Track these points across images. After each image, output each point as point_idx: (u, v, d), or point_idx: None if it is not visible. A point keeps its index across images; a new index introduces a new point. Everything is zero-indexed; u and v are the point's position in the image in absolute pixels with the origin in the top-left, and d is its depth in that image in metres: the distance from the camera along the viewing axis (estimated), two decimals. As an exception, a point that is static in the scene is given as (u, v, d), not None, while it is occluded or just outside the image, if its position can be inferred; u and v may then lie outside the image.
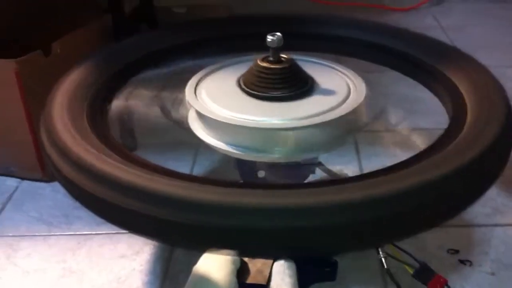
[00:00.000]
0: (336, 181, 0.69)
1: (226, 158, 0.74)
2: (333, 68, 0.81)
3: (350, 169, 0.90)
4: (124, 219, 0.60)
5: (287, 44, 0.72)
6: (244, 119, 0.69)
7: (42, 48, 1.01)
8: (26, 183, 1.03)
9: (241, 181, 0.77)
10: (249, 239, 0.55)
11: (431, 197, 0.58)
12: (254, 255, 0.61)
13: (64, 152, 0.63)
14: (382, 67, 0.89)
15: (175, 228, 0.56)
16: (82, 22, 1.16)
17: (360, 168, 0.91)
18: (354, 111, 0.72)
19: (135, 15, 1.34)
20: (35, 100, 0.95)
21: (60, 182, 0.66)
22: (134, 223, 0.59)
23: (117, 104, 0.78)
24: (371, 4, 1.89)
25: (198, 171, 0.94)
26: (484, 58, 1.28)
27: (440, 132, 0.67)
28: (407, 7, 1.89)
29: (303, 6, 1.82)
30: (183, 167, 0.92)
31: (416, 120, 0.83)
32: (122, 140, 0.82)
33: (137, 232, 0.63)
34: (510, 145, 0.69)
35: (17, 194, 1.00)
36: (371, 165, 0.89)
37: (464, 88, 0.75)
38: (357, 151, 0.91)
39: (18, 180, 1.03)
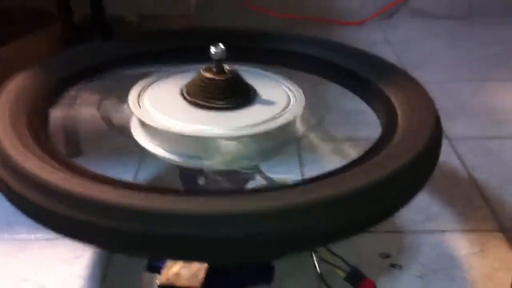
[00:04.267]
0: (272, 188, 0.71)
1: (169, 166, 0.76)
2: (275, 79, 0.84)
3: (291, 177, 0.93)
4: (60, 226, 0.61)
5: (233, 57, 0.75)
6: (185, 127, 0.71)
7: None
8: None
9: (171, 188, 0.79)
10: (181, 245, 0.57)
11: (359, 204, 0.62)
12: (188, 259, 0.63)
13: (3, 158, 0.64)
14: (324, 80, 0.93)
15: (110, 235, 0.58)
16: (31, 29, 1.16)
17: (302, 176, 0.94)
18: (293, 122, 0.76)
19: (86, 24, 1.34)
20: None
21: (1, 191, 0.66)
22: (70, 230, 0.60)
23: (60, 112, 0.79)
24: (321, 18, 1.94)
25: (141, 178, 0.95)
26: (429, 72, 1.35)
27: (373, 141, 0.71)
28: (356, 21, 1.95)
29: (259, 20, 1.86)
30: (126, 175, 0.93)
31: (355, 130, 0.87)
32: (66, 147, 0.83)
33: (74, 239, 0.63)
34: (436, 157, 0.73)
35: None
36: (313, 173, 0.93)
37: (396, 101, 0.80)
38: (299, 160, 0.95)
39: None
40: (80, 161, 0.75)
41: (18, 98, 0.75)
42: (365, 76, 0.88)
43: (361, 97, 0.88)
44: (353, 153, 0.75)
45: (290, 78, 0.84)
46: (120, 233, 0.57)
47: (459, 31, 1.84)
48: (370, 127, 0.78)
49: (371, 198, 0.62)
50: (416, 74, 0.86)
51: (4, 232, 0.91)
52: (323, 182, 0.62)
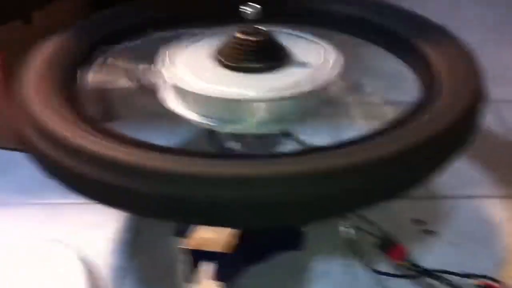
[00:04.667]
0: (299, 152, 0.70)
1: (202, 130, 0.76)
2: (310, 40, 0.81)
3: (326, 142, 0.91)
4: (91, 190, 0.61)
5: (267, 18, 0.72)
6: (217, 90, 0.70)
7: (21, 17, 1.01)
8: (2, 152, 1.04)
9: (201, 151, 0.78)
10: (212, 209, 0.57)
11: (394, 169, 0.60)
12: (216, 224, 0.62)
13: (34, 123, 0.64)
14: (360, 41, 0.89)
15: (139, 199, 0.58)
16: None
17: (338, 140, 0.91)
18: (329, 84, 0.73)
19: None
20: (14, 70, 0.96)
21: (30, 152, 0.67)
22: (100, 194, 0.61)
23: (92, 76, 0.79)
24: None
25: (173, 142, 0.95)
26: (469, 33, 1.28)
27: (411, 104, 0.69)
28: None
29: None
30: (158, 139, 0.92)
31: (394, 93, 0.83)
32: (98, 112, 0.83)
33: (104, 203, 0.63)
34: (478, 121, 0.70)
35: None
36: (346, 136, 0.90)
37: (438, 63, 0.77)
38: (336, 124, 0.92)
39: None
40: (113, 126, 0.75)
41: (50, 63, 0.75)
42: (406, 36, 0.84)
43: (402, 59, 0.85)
44: (392, 117, 0.73)
45: (326, 39, 0.81)
46: (149, 197, 0.58)
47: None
48: (411, 90, 0.76)
49: (406, 163, 0.61)
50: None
51: (36, 197, 0.92)
52: (357, 146, 0.61)
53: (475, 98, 0.71)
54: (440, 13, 0.86)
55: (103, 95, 0.93)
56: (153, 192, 0.57)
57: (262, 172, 0.57)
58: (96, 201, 0.62)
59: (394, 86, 0.99)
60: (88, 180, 0.59)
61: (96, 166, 0.58)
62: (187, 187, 0.57)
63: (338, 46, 0.79)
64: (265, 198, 0.57)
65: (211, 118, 0.72)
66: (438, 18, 0.86)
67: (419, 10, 0.89)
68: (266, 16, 0.73)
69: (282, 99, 0.70)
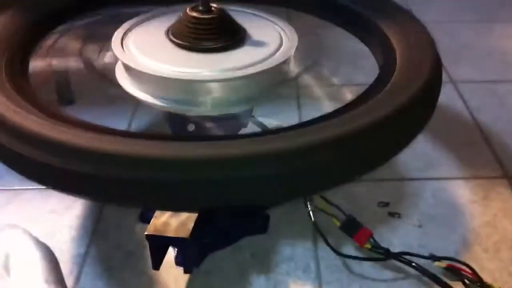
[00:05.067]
0: (265, 132, 0.68)
1: (158, 112, 0.72)
2: (266, 19, 0.79)
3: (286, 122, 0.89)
4: (45, 177, 0.58)
5: None
6: (173, 71, 0.67)
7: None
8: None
9: (159, 133, 0.75)
10: (173, 191, 0.55)
11: (354, 147, 0.58)
12: (178, 209, 0.60)
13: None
14: (319, 20, 0.87)
15: (96, 184, 0.55)
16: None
17: (300, 117, 0.89)
18: (285, 63, 0.71)
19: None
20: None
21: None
22: (54, 180, 0.58)
23: (41, 57, 0.75)
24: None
25: (132, 125, 0.91)
26: (432, 12, 1.27)
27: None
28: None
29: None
30: (116, 121, 0.89)
31: (352, 73, 0.82)
32: (52, 95, 0.79)
33: (61, 190, 0.61)
34: (435, 98, 0.69)
35: None
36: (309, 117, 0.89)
37: (395, 41, 0.75)
38: (295, 104, 0.90)
39: None
40: (68, 110, 0.72)
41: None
42: (363, 14, 0.82)
43: (359, 37, 0.83)
44: (349, 96, 0.71)
45: (282, 17, 0.79)
46: (106, 181, 0.55)
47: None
48: (369, 69, 0.74)
49: (366, 141, 0.59)
50: (418, 13, 0.80)
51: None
52: (317, 125, 0.59)
53: (433, 76, 0.69)
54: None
55: (56, 77, 0.89)
56: (108, 176, 0.54)
57: (218, 152, 0.55)
58: (51, 188, 0.59)
59: (352, 65, 0.97)
60: (40, 167, 0.56)
61: (50, 152, 0.55)
62: (140, 169, 0.54)
63: (295, 24, 0.77)
64: (220, 176, 0.54)
65: (166, 99, 0.69)
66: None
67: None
68: None
69: (238, 78, 0.67)
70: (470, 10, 1.48)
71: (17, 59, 0.71)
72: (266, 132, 0.71)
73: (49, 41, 0.77)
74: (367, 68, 0.76)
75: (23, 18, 0.76)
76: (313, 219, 0.72)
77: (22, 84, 0.65)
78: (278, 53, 0.71)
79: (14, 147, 0.57)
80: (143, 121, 0.92)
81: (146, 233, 0.59)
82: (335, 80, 0.77)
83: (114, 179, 0.54)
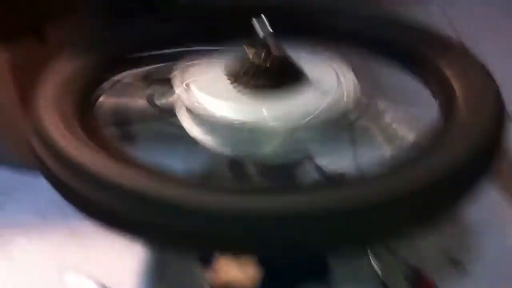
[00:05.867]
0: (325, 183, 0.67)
1: (218, 154, 0.73)
2: (324, 60, 0.78)
3: (345, 165, 0.88)
4: (112, 221, 0.59)
5: (279, 33, 0.71)
6: (234, 115, 0.67)
7: (33, 30, 0.99)
8: (20, 173, 1.01)
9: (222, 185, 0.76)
10: (230, 241, 0.55)
11: (414, 202, 0.57)
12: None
13: (49, 147, 0.62)
14: (376, 58, 0.87)
15: (157, 231, 0.56)
16: (75, 5, 1.13)
17: (356, 163, 0.88)
18: (345, 107, 0.71)
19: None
20: (27, 85, 0.94)
21: (45, 177, 0.65)
22: (121, 225, 0.59)
23: (108, 96, 0.77)
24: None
25: (189, 166, 0.92)
26: (489, 46, 1.23)
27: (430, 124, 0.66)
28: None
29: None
30: (174, 161, 0.89)
31: (411, 112, 0.80)
32: (114, 132, 0.81)
33: (124, 234, 0.61)
34: (500, 144, 0.67)
35: (12, 185, 0.98)
36: (367, 162, 0.87)
37: (454, 81, 0.73)
38: (352, 146, 0.89)
39: (14, 170, 1.02)
40: (128, 147, 0.73)
41: (64, 83, 0.73)
42: (420, 52, 0.81)
43: (416, 75, 0.82)
44: (409, 139, 0.70)
45: (339, 55, 0.78)
46: (168, 229, 0.55)
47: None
48: (427, 108, 0.72)
49: (425, 196, 0.58)
50: (474, 47, 0.78)
51: (56, 218, 0.89)
52: (378, 178, 0.59)
53: (497, 118, 0.67)
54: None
55: (119, 116, 0.91)
56: (172, 225, 0.55)
57: (281, 206, 0.55)
58: (113, 231, 0.59)
59: (410, 104, 0.95)
60: (104, 209, 0.57)
61: (114, 195, 0.56)
62: (209, 220, 0.54)
63: (352, 62, 0.76)
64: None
65: (229, 144, 0.69)
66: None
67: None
68: (277, 31, 0.70)
69: (298, 125, 0.67)
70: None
71: (85, 100, 0.73)
72: (333, 182, 0.71)
73: (115, 80, 0.79)
74: (423, 107, 0.75)
75: (90, 59, 0.78)
76: (377, 269, 0.71)
77: (92, 127, 0.67)
78: (337, 97, 0.71)
79: (86, 192, 0.58)
80: (196, 159, 0.92)
81: (211, 282, 0.59)
82: (392, 120, 0.76)
83: (187, 229, 0.55)
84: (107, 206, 0.57)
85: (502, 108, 0.69)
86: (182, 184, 0.58)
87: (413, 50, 0.82)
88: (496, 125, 0.66)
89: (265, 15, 0.71)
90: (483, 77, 0.73)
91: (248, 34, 0.71)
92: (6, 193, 0.97)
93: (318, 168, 0.79)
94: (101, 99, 0.76)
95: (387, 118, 0.77)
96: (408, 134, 0.73)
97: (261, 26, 0.69)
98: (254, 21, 0.69)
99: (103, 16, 1.17)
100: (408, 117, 0.74)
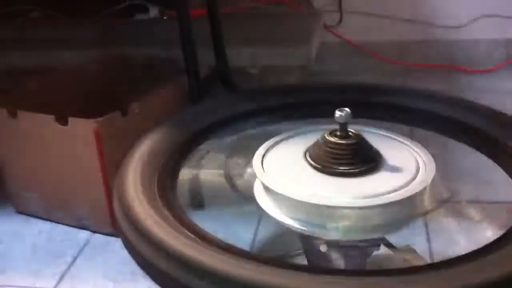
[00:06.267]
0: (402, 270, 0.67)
1: (290, 230, 0.74)
2: (402, 143, 0.80)
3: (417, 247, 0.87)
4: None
5: (356, 113, 0.72)
6: (308, 194, 0.69)
7: (120, 108, 1.07)
8: (97, 236, 1.07)
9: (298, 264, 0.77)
10: None
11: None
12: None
13: (133, 223, 0.66)
14: (452, 140, 0.87)
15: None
16: (160, 83, 1.22)
17: (429, 248, 0.87)
18: (422, 192, 0.71)
19: (211, 75, 1.39)
20: (112, 158, 1.01)
21: (127, 250, 0.68)
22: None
23: (187, 170, 0.81)
24: (445, 65, 1.87)
25: (259, 239, 0.93)
26: None
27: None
28: (484, 69, 1.85)
29: (376, 67, 1.83)
30: (245, 233, 0.92)
31: (489, 200, 0.79)
32: (191, 203, 0.85)
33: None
34: None
35: (88, 247, 1.04)
36: (440, 249, 0.86)
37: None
38: (426, 232, 0.88)
39: (90, 233, 1.07)
40: (203, 217, 0.76)
41: (150, 157, 0.78)
42: (500, 139, 0.81)
43: (497, 162, 0.82)
44: (487, 231, 0.69)
45: (417, 138, 0.79)
46: None
47: None
48: (506, 195, 0.71)
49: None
50: None
51: (129, 286, 0.92)
52: (454, 269, 0.57)
53: None
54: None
55: (198, 187, 0.95)
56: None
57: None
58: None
59: (486, 187, 0.94)
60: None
61: (192, 274, 0.58)
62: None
63: (429, 145, 0.77)
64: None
65: (301, 221, 0.71)
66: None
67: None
68: (354, 111, 0.72)
69: (371, 207, 0.68)
70: None
71: (169, 171, 0.78)
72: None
73: (197, 153, 0.83)
74: (500, 194, 0.74)
75: (171, 137, 0.83)
76: None
77: (171, 204, 0.71)
78: (413, 182, 0.71)
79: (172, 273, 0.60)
80: (267, 232, 0.94)
81: None
82: (471, 210, 0.75)
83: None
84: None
85: None
86: (260, 264, 0.59)
87: (493, 137, 0.83)
88: None
89: (343, 95, 0.72)
90: None
91: (326, 114, 0.74)
92: (82, 255, 1.02)
93: (391, 249, 0.79)
94: (184, 170, 0.80)
95: (464, 204, 0.77)
96: (484, 228, 0.72)
97: (342, 114, 0.71)
98: (336, 111, 0.72)
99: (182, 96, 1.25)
100: (487, 205, 0.73)
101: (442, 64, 1.88)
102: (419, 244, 0.82)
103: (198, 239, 0.62)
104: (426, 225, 0.80)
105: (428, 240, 0.84)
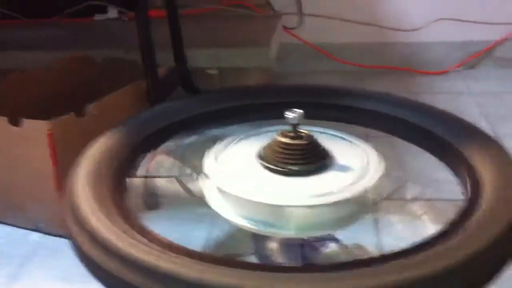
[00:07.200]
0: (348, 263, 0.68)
1: (242, 230, 0.75)
2: (353, 143, 0.82)
3: (366, 243, 0.89)
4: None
5: (309, 114, 0.74)
6: (259, 194, 0.71)
7: (76, 109, 1.06)
8: (50, 238, 1.06)
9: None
10: None
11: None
12: None
13: (80, 223, 0.66)
14: (402, 141, 0.90)
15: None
16: (119, 85, 1.21)
17: (378, 243, 0.90)
18: (370, 189, 0.73)
19: (170, 77, 1.39)
20: (66, 160, 0.99)
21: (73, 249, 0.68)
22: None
23: (140, 172, 0.81)
24: (400, 67, 1.91)
25: (212, 238, 0.94)
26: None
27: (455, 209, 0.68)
28: (439, 71, 1.90)
29: (336, 70, 1.86)
30: (198, 232, 0.93)
31: (436, 196, 0.83)
32: (143, 206, 0.85)
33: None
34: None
35: (40, 249, 1.03)
36: (389, 243, 0.89)
37: (482, 170, 0.75)
38: (376, 225, 0.91)
39: (42, 235, 1.06)
40: (154, 219, 0.77)
41: (100, 161, 0.77)
42: (447, 139, 0.84)
43: (444, 162, 0.85)
44: (431, 227, 0.71)
45: (368, 139, 0.82)
46: None
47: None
48: (451, 193, 0.74)
49: (459, 276, 0.59)
50: (500, 127, 0.80)
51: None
52: (399, 262, 0.59)
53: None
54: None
55: (150, 189, 0.96)
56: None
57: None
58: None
59: (434, 187, 0.97)
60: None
61: (139, 273, 0.58)
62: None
63: (378, 145, 0.79)
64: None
65: (252, 220, 0.72)
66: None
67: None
68: (307, 112, 0.74)
69: (324, 205, 0.70)
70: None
71: (120, 175, 0.78)
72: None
73: (151, 155, 0.84)
74: (446, 190, 0.77)
75: (125, 139, 0.84)
76: None
77: (123, 204, 0.71)
78: (362, 181, 0.73)
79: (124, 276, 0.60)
80: (219, 232, 0.95)
81: None
82: (417, 205, 0.78)
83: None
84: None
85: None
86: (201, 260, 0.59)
87: (441, 138, 0.85)
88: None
89: (296, 97, 0.74)
90: (503, 158, 0.76)
91: (279, 116, 0.75)
92: (35, 257, 1.01)
93: (340, 246, 0.81)
94: (135, 175, 0.81)
95: (411, 202, 0.79)
96: (431, 222, 0.74)
97: (293, 115, 0.73)
98: (287, 112, 0.73)
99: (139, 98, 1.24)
100: (433, 202, 0.76)
101: (400, 66, 1.92)
102: (368, 240, 0.85)
103: (146, 240, 0.62)
104: (374, 222, 0.82)
105: (377, 236, 0.87)
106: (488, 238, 0.62)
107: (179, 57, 1.41)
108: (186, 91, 1.39)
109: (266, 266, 0.67)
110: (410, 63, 1.93)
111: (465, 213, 0.68)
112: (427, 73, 1.88)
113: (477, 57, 1.92)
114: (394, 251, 0.61)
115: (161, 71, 1.29)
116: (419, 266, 0.58)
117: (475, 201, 0.69)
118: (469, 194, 0.73)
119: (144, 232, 0.64)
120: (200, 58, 1.53)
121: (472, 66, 1.93)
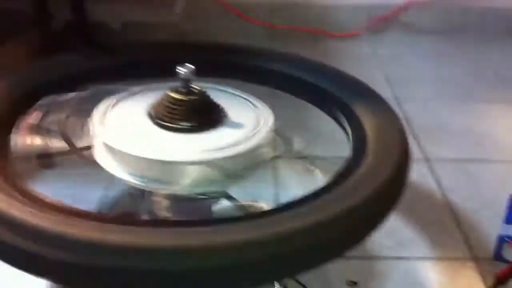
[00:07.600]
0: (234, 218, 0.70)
1: (133, 188, 0.74)
2: (244, 99, 0.82)
3: (261, 202, 0.91)
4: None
5: (202, 71, 0.73)
6: (149, 150, 0.69)
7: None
8: None
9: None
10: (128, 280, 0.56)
11: (324, 234, 0.61)
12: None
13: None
14: (294, 98, 0.92)
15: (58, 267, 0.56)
16: (10, 37, 1.14)
17: (276, 198, 0.92)
18: (262, 144, 0.74)
19: (67, 30, 1.33)
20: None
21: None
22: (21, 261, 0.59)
23: (25, 130, 0.77)
24: (308, 28, 1.93)
25: (103, 200, 0.92)
26: (414, 90, 1.33)
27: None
28: (346, 34, 1.94)
29: (243, 29, 1.85)
30: (90, 194, 0.90)
31: (326, 151, 0.86)
32: (30, 165, 0.81)
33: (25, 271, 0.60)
34: (403, 185, 0.72)
35: None
36: (285, 196, 0.91)
37: (367, 126, 0.79)
38: (272, 182, 0.93)
39: None
40: (43, 180, 0.73)
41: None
42: (337, 95, 0.87)
43: (332, 117, 0.87)
44: (323, 176, 0.74)
45: (259, 95, 0.82)
46: (68, 265, 0.56)
47: (449, 48, 1.83)
48: (341, 147, 0.77)
49: (337, 228, 0.62)
50: (401, 90, 0.84)
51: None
52: (289, 212, 0.62)
53: (403, 158, 0.73)
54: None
55: (36, 149, 0.91)
56: (67, 260, 0.55)
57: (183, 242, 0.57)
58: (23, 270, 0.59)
59: (325, 142, 1.01)
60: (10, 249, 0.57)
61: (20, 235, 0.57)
62: (107, 256, 0.55)
63: (269, 102, 0.80)
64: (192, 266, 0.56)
65: (142, 178, 0.71)
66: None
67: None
68: (200, 70, 0.73)
69: (216, 160, 0.70)
70: (451, 88, 1.54)
71: (3, 131, 0.74)
72: (244, 217, 0.73)
73: (32, 115, 0.80)
74: (340, 145, 0.80)
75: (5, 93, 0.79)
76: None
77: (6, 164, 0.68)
78: (254, 134, 0.74)
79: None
80: (111, 193, 0.93)
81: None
82: (308, 158, 0.80)
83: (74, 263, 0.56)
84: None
85: (407, 148, 0.75)
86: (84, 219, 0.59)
87: (331, 93, 0.88)
88: (402, 162, 0.72)
89: (189, 54, 0.73)
90: (391, 118, 0.80)
91: (171, 73, 0.73)
92: None
93: (233, 202, 0.82)
94: (21, 129, 0.77)
95: (303, 155, 0.82)
96: (322, 173, 0.77)
97: (184, 70, 0.72)
98: (178, 66, 0.72)
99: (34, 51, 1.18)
100: (322, 156, 0.79)
101: (310, 28, 1.94)
102: (265, 197, 0.87)
103: (32, 203, 0.60)
104: (272, 178, 0.84)
105: (272, 191, 0.89)
106: (368, 192, 0.65)
107: (77, 9, 1.34)
108: (85, 46, 1.33)
109: (130, 220, 0.67)
110: (320, 25, 1.96)
111: (349, 169, 0.71)
112: (333, 36, 1.91)
113: (384, 21, 1.97)
114: (277, 206, 0.63)
115: (57, 22, 1.22)
116: (300, 218, 0.60)
117: (360, 158, 0.72)
118: (355, 151, 0.76)
119: (30, 196, 0.62)
120: (102, 12, 1.47)
121: (379, 30, 1.99)
